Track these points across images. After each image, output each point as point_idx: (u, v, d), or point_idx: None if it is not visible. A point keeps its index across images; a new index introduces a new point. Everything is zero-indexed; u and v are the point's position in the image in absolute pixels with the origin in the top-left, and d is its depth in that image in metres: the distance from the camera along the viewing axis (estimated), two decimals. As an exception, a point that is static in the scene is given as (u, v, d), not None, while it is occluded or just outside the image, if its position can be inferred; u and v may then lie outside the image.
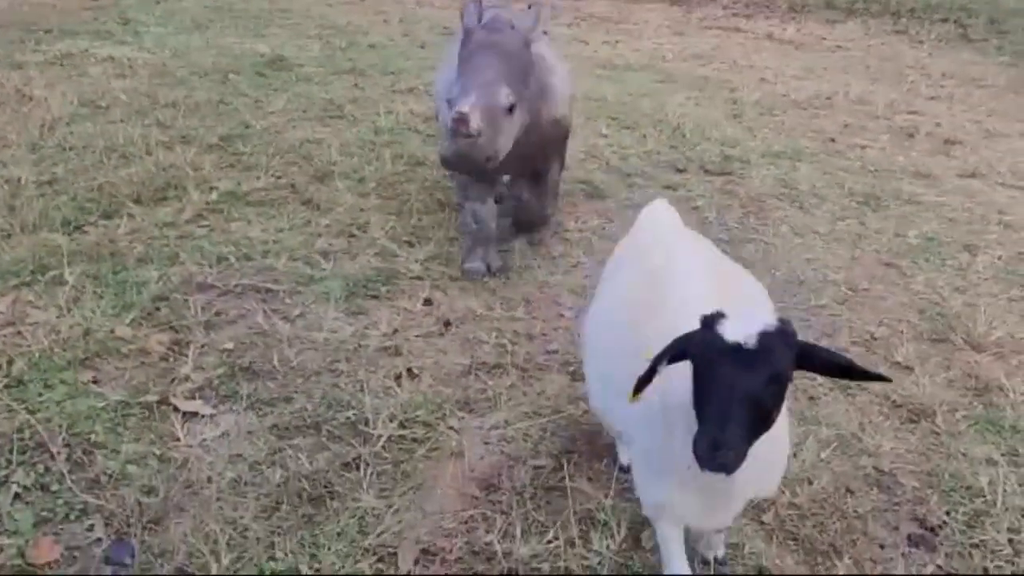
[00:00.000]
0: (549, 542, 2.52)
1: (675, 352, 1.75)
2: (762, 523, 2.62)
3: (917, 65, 9.55)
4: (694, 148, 6.11)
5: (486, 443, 2.94)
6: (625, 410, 2.08)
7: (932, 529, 2.62)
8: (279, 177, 5.05)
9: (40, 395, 2.98)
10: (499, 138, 3.45)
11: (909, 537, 2.58)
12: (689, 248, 2.37)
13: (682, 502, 2.00)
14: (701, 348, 1.70)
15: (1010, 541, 2.57)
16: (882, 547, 2.55)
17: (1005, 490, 2.74)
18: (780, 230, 4.82)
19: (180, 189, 4.72)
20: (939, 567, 2.48)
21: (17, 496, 2.56)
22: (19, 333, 3.33)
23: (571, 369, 3.38)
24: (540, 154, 4.03)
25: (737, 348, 1.65)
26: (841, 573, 2.43)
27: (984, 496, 2.74)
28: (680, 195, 5.26)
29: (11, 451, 2.71)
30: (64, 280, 3.68)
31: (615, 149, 6.00)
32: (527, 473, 2.82)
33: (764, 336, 1.66)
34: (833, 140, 6.59)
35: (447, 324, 3.65)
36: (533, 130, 3.75)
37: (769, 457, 1.94)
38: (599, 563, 2.45)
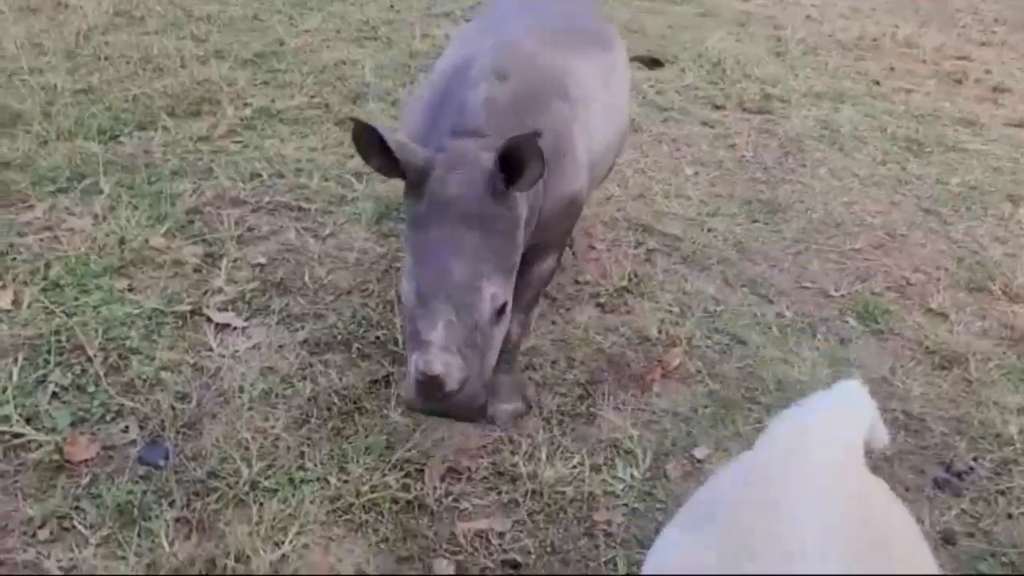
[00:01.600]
0: (574, 467, 2.54)
1: None
2: (787, 459, 2.63)
3: (969, 9, 9.26)
4: (734, 85, 5.99)
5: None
6: None
7: (958, 474, 2.62)
8: (313, 96, 5.01)
9: (76, 299, 3.02)
10: (487, 367, 2.27)
11: (935, 480, 2.59)
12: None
13: None
14: None
15: (1036, 489, 2.57)
16: (907, 489, 2.56)
17: (1034, 440, 2.73)
18: (819, 172, 4.74)
19: (214, 104, 4.70)
20: (963, 511, 2.49)
21: (55, 395, 2.61)
22: (56, 238, 3.36)
23: (600, 300, 3.38)
24: (534, 242, 2.56)
25: None
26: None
27: (1013, 444, 2.73)
28: (717, 132, 5.18)
29: (49, 352, 2.76)
30: (100, 189, 3.70)
31: (652, 83, 5.89)
32: (554, 399, 2.84)
33: None
34: (878, 83, 6.44)
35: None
36: (530, 214, 2.44)
37: None
38: (623, 490, 2.48)
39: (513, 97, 2.45)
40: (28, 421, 2.50)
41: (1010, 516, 2.47)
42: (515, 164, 2.18)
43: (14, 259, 3.20)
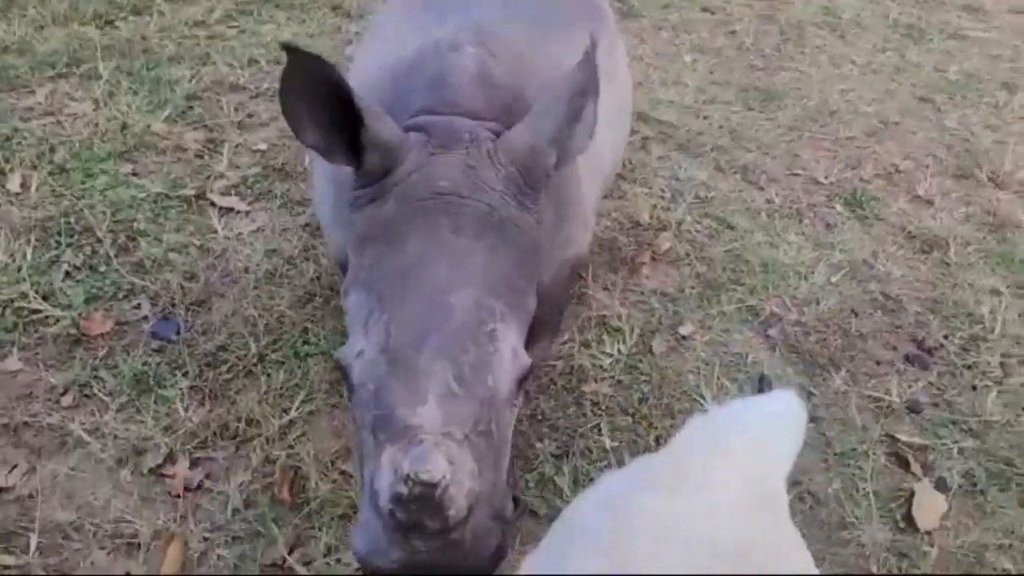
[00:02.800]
0: (564, 343, 2.69)
1: None
2: (767, 336, 2.78)
3: None
4: (737, -32, 5.91)
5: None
6: None
7: (929, 351, 2.77)
8: (310, -20, 4.97)
9: (83, 183, 3.12)
10: (503, 466, 1.52)
11: (905, 356, 2.74)
12: None
13: None
14: None
15: (1001, 365, 2.72)
16: (878, 363, 2.71)
17: (1004, 319, 2.87)
18: (818, 59, 4.75)
19: (209, -12, 4.68)
20: (930, 383, 2.65)
21: (68, 274, 2.74)
22: (59, 123, 3.43)
23: (595, 186, 3.46)
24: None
25: None
26: (837, 384, 2.60)
27: (983, 323, 2.88)
28: (718, 18, 5.16)
29: (59, 233, 2.88)
30: (99, 74, 3.75)
31: (655, -34, 5.81)
32: (547, 280, 2.97)
33: None
34: (884, -33, 6.34)
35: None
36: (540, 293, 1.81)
37: None
38: (610, 364, 2.63)
39: (511, 79, 1.77)
40: (45, 298, 2.64)
41: (974, 388, 2.63)
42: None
43: (19, 143, 3.28)
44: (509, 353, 1.44)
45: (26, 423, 2.27)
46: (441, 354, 1.37)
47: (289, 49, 1.41)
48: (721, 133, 3.92)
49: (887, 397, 2.57)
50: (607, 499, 1.41)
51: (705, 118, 4.03)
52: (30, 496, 2.10)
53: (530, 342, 1.75)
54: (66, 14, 4.21)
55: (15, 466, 2.17)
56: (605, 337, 2.72)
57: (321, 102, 1.48)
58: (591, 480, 2.07)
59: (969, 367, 2.71)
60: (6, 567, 1.94)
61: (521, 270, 1.55)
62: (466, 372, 1.37)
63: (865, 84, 4.51)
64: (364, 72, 1.97)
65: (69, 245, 2.85)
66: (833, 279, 3.04)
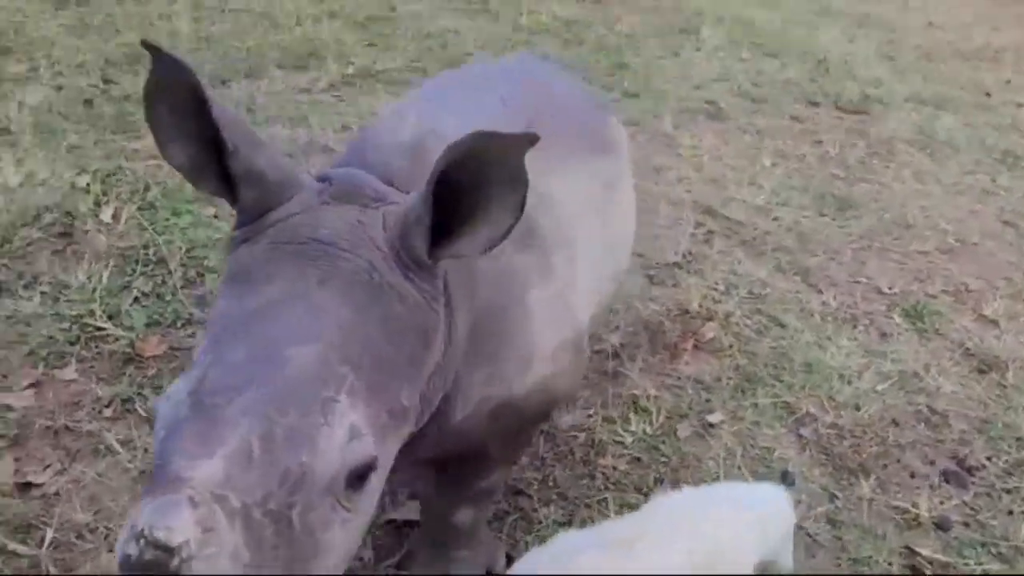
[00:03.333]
0: (589, 416, 2.71)
1: None
2: (799, 435, 2.73)
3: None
4: (835, 84, 5.97)
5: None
6: None
7: (969, 469, 2.66)
8: (414, 60, 5.28)
9: (167, 220, 3.36)
10: (314, 565, 1.17)
11: (943, 472, 2.64)
12: None
13: None
14: None
15: (1046, 493, 2.59)
16: (912, 476, 2.62)
17: (1056, 447, 2.74)
18: (901, 174, 4.72)
19: (320, 59, 5.03)
20: (964, 503, 2.54)
21: (136, 299, 2.94)
22: (158, 166, 3.71)
23: (651, 273, 3.51)
24: (464, 454, 1.78)
25: None
26: (863, 491, 2.52)
27: (1032, 449, 2.75)
28: (806, 127, 5.20)
29: (136, 262, 3.10)
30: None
31: (751, 75, 5.93)
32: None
33: None
34: (988, 95, 6.29)
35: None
36: (450, 425, 1.61)
37: None
38: (632, 441, 2.63)
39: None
40: (110, 317, 2.83)
41: (1011, 513, 2.51)
42: (459, 203, 1.31)
43: (119, 180, 3.56)
44: (344, 433, 1.15)
45: (67, 427, 2.43)
46: (252, 409, 1.10)
47: (151, 48, 1.23)
48: (788, 235, 3.92)
49: (915, 510, 2.47)
50: (558, 552, 1.44)
51: (775, 219, 4.05)
52: (55, 494, 2.23)
53: (470, 476, 1.80)
54: (186, 72, 4.58)
55: (48, 465, 2.31)
56: (631, 415, 2.73)
57: (190, 117, 1.28)
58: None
59: (1009, 491, 2.59)
60: (18, 555, 2.06)
61: (395, 347, 1.28)
62: (277, 436, 1.09)
63: (948, 203, 4.45)
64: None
65: (142, 273, 3.07)
66: (879, 387, 2.97)
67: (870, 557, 2.32)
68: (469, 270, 1.52)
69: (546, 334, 1.72)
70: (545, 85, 2.20)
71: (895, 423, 2.83)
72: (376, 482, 1.23)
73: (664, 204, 4.05)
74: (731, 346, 3.10)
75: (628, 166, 2.34)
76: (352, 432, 1.16)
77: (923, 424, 2.84)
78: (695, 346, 3.10)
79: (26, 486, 2.23)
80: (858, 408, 2.86)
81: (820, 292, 3.51)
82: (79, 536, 2.14)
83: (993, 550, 2.38)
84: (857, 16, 7.91)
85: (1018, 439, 2.80)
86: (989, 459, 2.71)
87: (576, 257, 1.83)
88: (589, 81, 5.33)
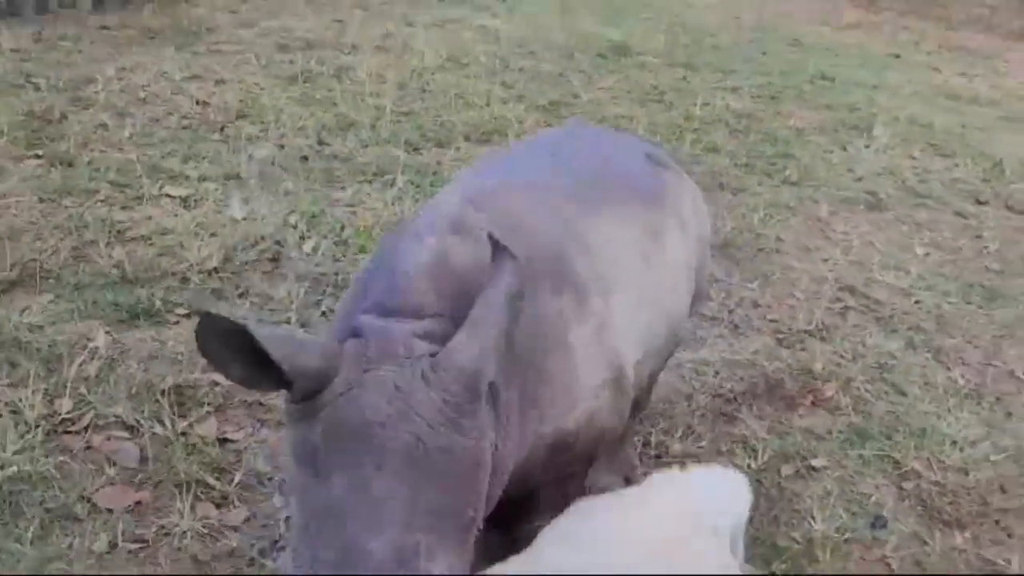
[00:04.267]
0: (700, 447, 3.01)
1: None
2: (900, 487, 2.91)
3: None
4: (1007, 185, 5.99)
5: (679, 368, 3.45)
6: None
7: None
8: (587, 141, 5.82)
9: (356, 254, 3.98)
10: None
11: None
12: None
13: None
14: None
15: None
16: (1009, 536, 2.73)
17: None
18: (1063, 274, 4.72)
19: (502, 135, 5.66)
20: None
21: (323, 314, 3.53)
22: (354, 213, 4.39)
23: (780, 336, 3.78)
24: (516, 496, 1.89)
25: None
26: (957, 541, 2.67)
27: None
28: (968, 223, 5.28)
29: (328, 285, 3.72)
30: (395, 183, 4.72)
31: (919, 171, 6.06)
32: (705, 399, 3.31)
33: None
34: None
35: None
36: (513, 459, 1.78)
37: None
38: (735, 473, 2.90)
39: (473, 264, 1.72)
40: (302, 326, 3.43)
41: (1106, 579, 2.57)
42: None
43: (321, 220, 4.24)
44: None
45: (260, 402, 3.00)
46: None
47: (203, 315, 1.44)
48: (928, 317, 4.07)
49: (1007, 564, 2.60)
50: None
51: (916, 302, 4.20)
52: (245, 449, 2.79)
53: (520, 517, 1.99)
54: (387, 139, 5.33)
55: (242, 428, 2.88)
56: (737, 450, 3.00)
57: (242, 350, 1.44)
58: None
59: (1110, 561, 2.65)
60: (213, 489, 2.60)
61: (456, 493, 1.49)
62: None
63: (1109, 303, 4.42)
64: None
65: (331, 295, 3.67)
66: (992, 457, 3.09)
67: (950, 597, 2.47)
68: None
69: (587, 372, 1.90)
70: (595, 142, 2.49)
71: (1002, 490, 2.95)
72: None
73: (805, 278, 4.30)
74: (848, 406, 3.32)
75: (685, 215, 2.44)
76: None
77: (1033, 499, 2.94)
78: (812, 403, 3.33)
79: (224, 440, 2.80)
80: (967, 473, 3.00)
81: (949, 369, 3.65)
82: (259, 482, 2.67)
83: (1080, 608, 2.47)
84: (1048, 123, 7.81)
85: None
86: (1095, 533, 2.78)
87: (614, 299, 1.99)
88: (749, 168, 5.69)
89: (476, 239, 1.73)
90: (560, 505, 1.97)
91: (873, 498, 2.84)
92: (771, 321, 3.91)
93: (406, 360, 1.51)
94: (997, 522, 2.79)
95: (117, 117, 5.17)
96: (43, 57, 6.05)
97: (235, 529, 2.47)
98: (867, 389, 3.44)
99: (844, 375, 3.48)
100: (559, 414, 1.84)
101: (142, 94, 5.60)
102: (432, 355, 1.53)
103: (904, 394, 3.43)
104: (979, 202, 5.68)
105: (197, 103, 5.59)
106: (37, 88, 5.40)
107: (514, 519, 1.99)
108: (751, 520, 2.41)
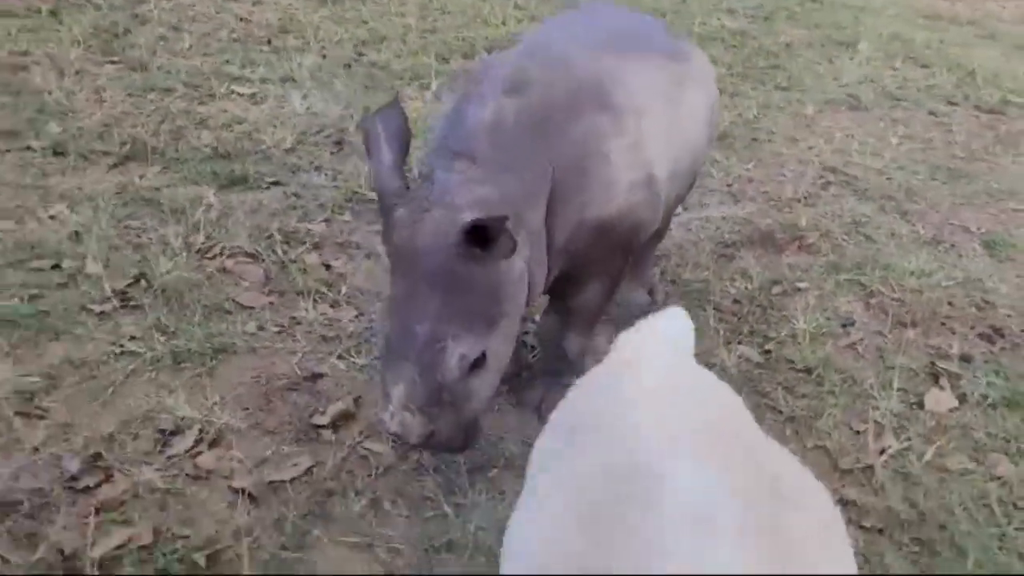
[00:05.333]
0: (705, 276, 3.79)
1: None
2: (867, 302, 3.69)
3: None
4: (978, 90, 6.73)
5: (688, 225, 4.21)
6: None
7: (1000, 332, 3.54)
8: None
9: (407, 139, 4.70)
10: (466, 409, 2.29)
11: (979, 333, 3.53)
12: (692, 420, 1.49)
13: None
14: None
15: None
16: (953, 332, 3.53)
17: None
18: (1020, 159, 5.49)
19: (520, 48, 6.36)
20: (990, 351, 3.43)
21: (387, 182, 4.27)
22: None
23: (772, 203, 4.54)
24: (572, 272, 2.61)
25: None
26: (909, 335, 3.47)
27: None
28: (939, 120, 6.03)
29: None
30: (430, 86, 5.43)
31: (898, 79, 6.79)
32: (709, 245, 4.08)
33: None
34: None
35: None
36: (556, 248, 2.49)
37: None
38: (734, 294, 3.68)
39: (524, 117, 2.33)
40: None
41: None
42: (485, 237, 2.09)
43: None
44: (455, 359, 2.18)
45: (355, 244, 3.75)
46: (409, 357, 2.15)
47: (390, 104, 2.30)
48: (898, 190, 4.84)
49: (948, 349, 3.40)
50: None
51: (889, 179, 4.97)
52: (346, 272, 3.54)
53: (580, 289, 2.66)
54: (417, 52, 6.03)
55: (339, 258, 3.63)
56: (737, 278, 3.78)
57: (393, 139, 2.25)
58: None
59: (1028, 345, 3.45)
60: (325, 295, 3.36)
61: (480, 302, 2.20)
62: (424, 370, 2.15)
63: (1058, 180, 5.20)
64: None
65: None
66: (944, 283, 3.88)
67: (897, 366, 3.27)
68: (545, 142, 2.34)
69: (622, 173, 2.50)
70: (625, 12, 3.14)
71: (950, 303, 3.74)
72: (494, 359, 2.27)
73: (793, 161, 5.07)
74: (827, 250, 4.09)
75: (705, 76, 3.06)
76: (461, 356, 2.19)
77: (974, 308, 3.73)
78: (798, 247, 4.11)
79: (327, 266, 3.56)
80: (921, 293, 3.79)
81: (913, 224, 4.43)
82: (360, 292, 3.43)
83: (1004, 382, 3.25)
84: (1020, 40, 8.52)
85: None
86: (1022, 331, 3.58)
87: (644, 122, 2.55)
88: (744, 76, 6.41)
89: (524, 94, 2.34)
90: (605, 280, 2.71)
91: (844, 309, 3.63)
92: (763, 192, 4.68)
93: (445, 216, 2.15)
94: (943, 323, 3.58)
95: (174, 31, 5.85)
96: (93, -19, 6.70)
97: (349, 321, 3.24)
98: (843, 238, 4.22)
99: (824, 228, 4.26)
100: (599, 205, 2.48)
101: (190, 12, 6.27)
102: (471, 202, 2.18)
103: (874, 241, 4.21)
104: (951, 103, 6.43)
105: (240, 20, 6.27)
106: (98, 7, 6.06)
107: (569, 293, 2.71)
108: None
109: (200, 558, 2.16)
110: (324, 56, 5.81)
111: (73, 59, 5.11)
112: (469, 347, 2.19)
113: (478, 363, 2.23)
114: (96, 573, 2.07)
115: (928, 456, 2.81)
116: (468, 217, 2.10)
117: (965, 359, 3.37)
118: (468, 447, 2.38)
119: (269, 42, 5.93)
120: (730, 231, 4.22)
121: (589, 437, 1.52)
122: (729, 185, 4.72)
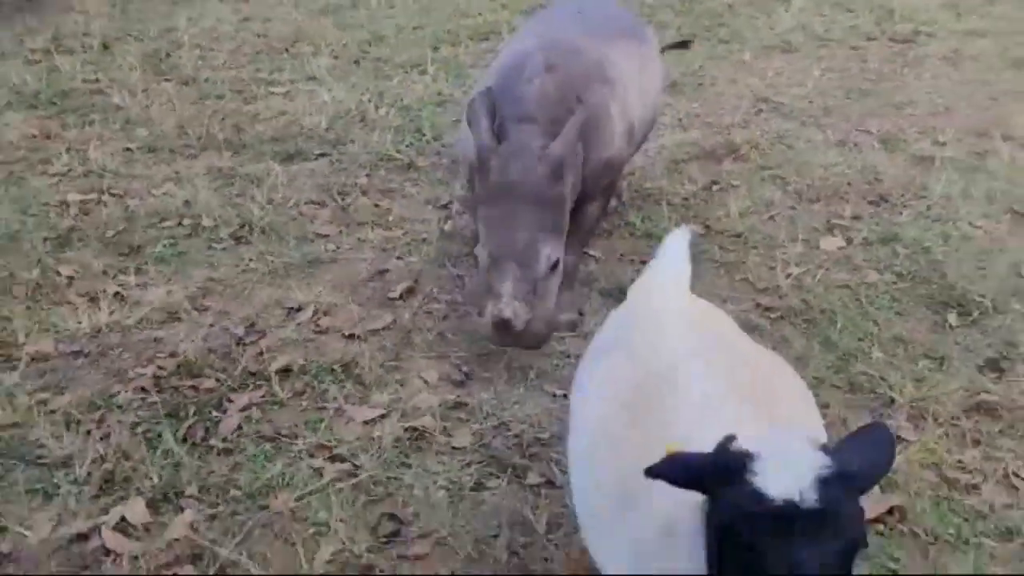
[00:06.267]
0: (658, 184, 5.08)
1: (685, 479, 1.42)
2: (784, 190, 4.99)
3: None
4: (894, 25, 8.01)
5: (645, 150, 5.50)
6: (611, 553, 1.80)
7: (886, 198, 4.83)
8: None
9: (417, 111, 6.01)
10: (549, 306, 3.26)
11: (866, 198, 4.83)
12: (704, 333, 2.05)
13: None
14: (736, 513, 1.33)
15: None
16: (847, 202, 4.83)
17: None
18: (923, 77, 6.79)
19: (497, 35, 7.65)
20: (874, 205, 4.72)
21: (398, 150, 5.57)
22: (403, 90, 6.40)
23: (714, 129, 5.84)
24: (581, 195, 3.57)
25: (791, 510, 1.28)
26: (804, 201, 4.77)
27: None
28: (858, 53, 7.33)
29: (401, 132, 5.76)
30: (427, 71, 6.72)
31: (825, 23, 8.09)
32: (663, 162, 5.38)
33: (825, 484, 1.29)
34: (1032, 24, 8.13)
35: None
36: (574, 178, 3.45)
37: None
38: (682, 193, 4.98)
39: (559, 86, 3.38)
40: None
41: (903, 215, 4.68)
42: (558, 171, 3.22)
43: (385, 96, 6.26)
44: (545, 257, 3.14)
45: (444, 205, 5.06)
46: (513, 260, 3.09)
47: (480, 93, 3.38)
48: (817, 109, 6.14)
49: (843, 212, 4.69)
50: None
51: (810, 102, 6.27)
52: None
53: (587, 205, 3.63)
54: (412, 43, 7.33)
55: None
56: (685, 181, 5.08)
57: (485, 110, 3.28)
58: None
59: (907, 206, 4.76)
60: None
61: (555, 214, 3.22)
62: (524, 268, 3.09)
63: (955, 94, 6.49)
64: (499, 65, 3.71)
65: (407, 141, 5.70)
66: (845, 171, 5.17)
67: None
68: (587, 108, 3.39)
69: (617, 125, 3.61)
70: (602, 4, 4.29)
71: (849, 184, 5.04)
72: (560, 263, 3.26)
73: (732, 97, 6.38)
74: (756, 158, 5.40)
75: (657, 52, 4.32)
76: (547, 256, 3.17)
77: (866, 185, 5.03)
78: (734, 159, 5.41)
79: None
80: (827, 180, 5.08)
81: (826, 132, 5.73)
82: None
83: (881, 228, 4.55)
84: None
85: (921, 196, 4.93)
86: (901, 196, 4.88)
87: (628, 90, 3.70)
88: (694, 34, 7.71)
89: (556, 73, 3.42)
90: (601, 201, 3.83)
91: (767, 195, 4.92)
92: (707, 122, 5.99)
93: (531, 155, 3.20)
94: (842, 197, 4.88)
95: (207, 51, 7.18)
96: (125, 17, 8.02)
97: (399, 236, 4.54)
98: (768, 148, 5.52)
99: (755, 142, 5.56)
100: (604, 148, 3.56)
101: (215, 35, 7.60)
102: (543, 147, 3.23)
103: (793, 148, 5.51)
104: (869, 38, 7.74)
105: (258, 36, 7.60)
106: (139, 40, 7.39)
107: (581, 210, 3.65)
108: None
109: (337, 368, 3.46)
110: (336, 57, 7.13)
111: (135, 81, 6.42)
112: (551, 250, 3.20)
113: (555, 264, 3.22)
114: (276, 384, 3.37)
115: (818, 276, 4.12)
116: (547, 157, 3.20)
117: (855, 217, 4.67)
118: (547, 341, 3.38)
119: (287, 51, 7.25)
120: (679, 152, 5.52)
121: (624, 345, 2.08)
122: (680, 120, 6.03)
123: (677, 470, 1.41)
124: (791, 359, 3.31)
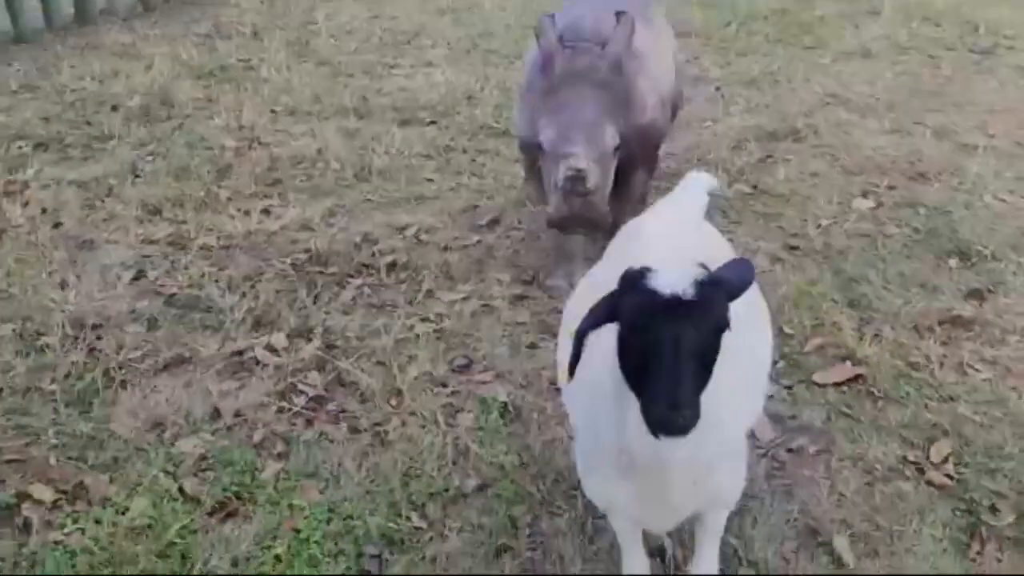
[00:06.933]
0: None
1: (603, 316, 1.81)
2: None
3: None
4: (978, 38, 8.61)
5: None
6: (570, 402, 2.41)
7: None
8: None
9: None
10: (608, 187, 3.62)
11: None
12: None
13: (621, 494, 2.11)
14: (634, 306, 1.73)
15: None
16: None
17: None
18: (991, 82, 7.42)
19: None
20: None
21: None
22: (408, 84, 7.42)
23: (769, 133, 6.65)
24: (624, 165, 3.84)
25: (676, 301, 1.68)
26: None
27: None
28: (933, 61, 8.00)
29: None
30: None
31: (910, 35, 8.76)
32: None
33: (701, 285, 1.71)
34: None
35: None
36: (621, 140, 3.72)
37: (718, 462, 2.04)
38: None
39: (608, 24, 3.78)
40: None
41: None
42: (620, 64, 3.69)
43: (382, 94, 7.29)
44: (609, 134, 3.55)
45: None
46: (581, 133, 3.48)
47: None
48: (880, 105, 6.86)
49: (880, 183, 5.45)
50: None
51: (877, 99, 7.00)
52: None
53: (632, 173, 4.01)
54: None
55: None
56: (742, 154, 5.91)
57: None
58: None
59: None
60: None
61: (616, 99, 3.63)
62: (590, 138, 3.48)
63: (1019, 98, 7.11)
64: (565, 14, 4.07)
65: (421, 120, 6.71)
66: (893, 154, 5.91)
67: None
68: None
69: (648, 98, 3.97)
70: None
71: (892, 163, 5.77)
72: (616, 156, 3.72)
73: (803, 92, 7.15)
74: (812, 139, 6.17)
75: (667, 30, 4.73)
76: (611, 134, 3.63)
77: (907, 164, 5.76)
78: (792, 140, 6.20)
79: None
80: (873, 159, 5.83)
81: (883, 123, 6.45)
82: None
83: (912, 195, 5.29)
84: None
85: (955, 174, 5.63)
86: (938, 174, 5.59)
87: (651, 62, 4.05)
88: (777, 42, 8.49)
89: (607, 20, 3.84)
90: (645, 167, 4.30)
91: (816, 167, 5.71)
92: (777, 111, 6.80)
93: (592, 53, 3.69)
94: (883, 173, 5.63)
95: (340, 40, 8.40)
96: (272, 11, 9.34)
97: (491, 183, 5.53)
98: (826, 133, 6.28)
99: (815, 127, 6.33)
100: (640, 114, 3.90)
101: (348, 28, 8.84)
102: (601, 46, 3.70)
103: (849, 133, 6.27)
104: (948, 49, 8.36)
105: (384, 30, 8.78)
106: (283, 28, 8.66)
107: (623, 179, 3.97)
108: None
109: (433, 266, 4.47)
110: (450, 48, 8.23)
111: (280, 61, 7.65)
112: (614, 132, 3.59)
113: (616, 149, 3.61)
114: (384, 273, 4.40)
115: (844, 227, 4.91)
116: (606, 54, 3.67)
117: (891, 187, 5.43)
118: (606, 225, 3.63)
119: (409, 43, 8.39)
120: (745, 133, 6.35)
121: (616, 254, 2.55)
122: (750, 108, 6.86)
123: (600, 312, 1.82)
124: (804, 281, 4.23)
